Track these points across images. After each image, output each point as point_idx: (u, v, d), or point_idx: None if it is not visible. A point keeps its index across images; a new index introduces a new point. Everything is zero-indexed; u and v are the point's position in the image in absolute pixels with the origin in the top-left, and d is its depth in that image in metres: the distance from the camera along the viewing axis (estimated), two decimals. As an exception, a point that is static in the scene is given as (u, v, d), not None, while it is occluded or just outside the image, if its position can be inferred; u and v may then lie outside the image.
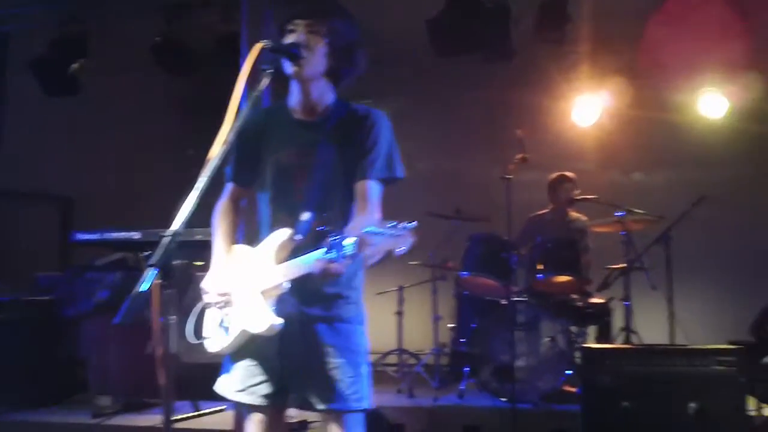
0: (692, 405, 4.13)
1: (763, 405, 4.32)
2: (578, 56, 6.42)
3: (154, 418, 4.60)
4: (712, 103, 6.59)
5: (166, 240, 1.88)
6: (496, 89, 6.92)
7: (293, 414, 4.09)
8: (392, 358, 6.34)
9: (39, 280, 5.82)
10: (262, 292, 2.32)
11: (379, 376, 6.28)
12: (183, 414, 4.66)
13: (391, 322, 6.11)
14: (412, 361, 6.23)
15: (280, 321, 2.29)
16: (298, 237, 2.32)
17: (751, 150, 6.68)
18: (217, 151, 2.07)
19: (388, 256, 1.97)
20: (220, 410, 4.70)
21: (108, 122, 7.24)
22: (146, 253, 1.72)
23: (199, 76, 6.75)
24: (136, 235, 4.79)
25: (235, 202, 2.66)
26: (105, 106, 7.13)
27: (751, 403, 4.18)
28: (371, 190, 2.41)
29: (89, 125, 7.14)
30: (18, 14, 6.00)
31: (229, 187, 2.66)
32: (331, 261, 2.02)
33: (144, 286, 1.79)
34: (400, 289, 6.13)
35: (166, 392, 1.92)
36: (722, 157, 6.70)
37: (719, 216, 6.34)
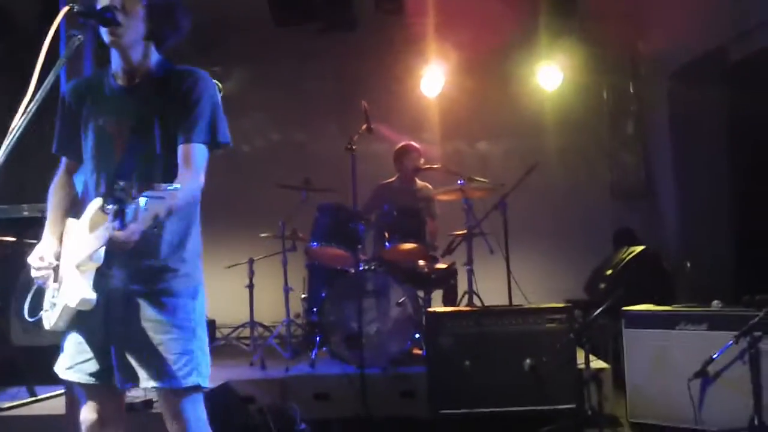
0: (528, 361, 4.40)
1: (592, 358, 4.63)
2: (421, 27, 6.53)
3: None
4: (546, 74, 6.91)
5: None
6: (342, 60, 6.94)
7: (138, 393, 4.00)
8: (245, 332, 6.30)
9: None
10: (77, 265, 2.22)
11: (232, 350, 6.23)
12: (16, 401, 4.40)
13: (243, 295, 6.05)
14: (265, 333, 6.21)
15: (93, 295, 2.20)
16: (109, 207, 2.22)
17: (578, 120, 7.10)
18: (18, 120, 1.94)
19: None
20: (58, 395, 4.48)
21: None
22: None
23: (26, 40, 6.30)
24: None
25: (68, 174, 2.55)
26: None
27: (581, 357, 4.47)
28: (194, 153, 2.32)
29: None
30: None
31: (62, 161, 2.56)
32: (115, 229, 1.93)
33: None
34: (251, 261, 6.08)
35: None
36: (556, 127, 7.08)
37: (552, 183, 6.74)
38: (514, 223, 5.50)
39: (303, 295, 5.96)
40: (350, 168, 4.87)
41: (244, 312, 6.09)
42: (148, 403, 4.09)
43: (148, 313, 2.32)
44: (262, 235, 5.87)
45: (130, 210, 1.87)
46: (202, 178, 2.31)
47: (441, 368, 4.48)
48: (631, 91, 7.32)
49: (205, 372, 2.38)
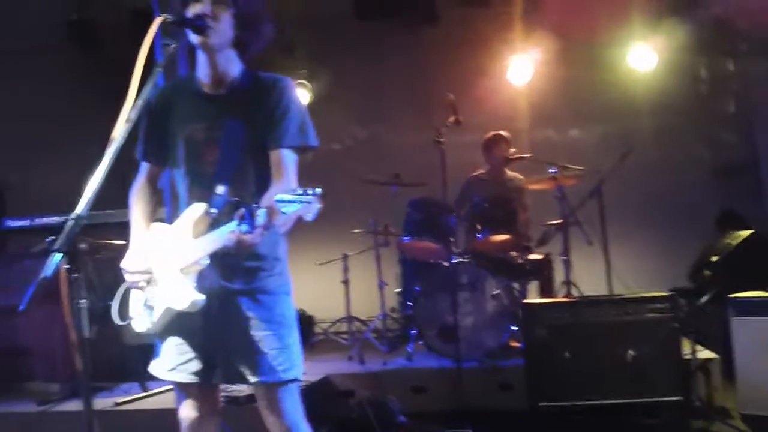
0: (630, 352, 4.27)
1: (698, 347, 4.46)
2: (508, 16, 6.43)
3: (102, 401, 4.56)
4: (640, 56, 6.68)
5: (69, 223, 1.85)
6: (426, 53, 6.91)
7: (241, 387, 4.13)
8: (342, 326, 6.39)
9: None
10: (182, 269, 2.30)
11: (330, 344, 6.34)
12: (130, 396, 4.63)
13: (339, 291, 6.14)
14: (362, 328, 6.28)
15: (202, 297, 2.28)
16: (213, 211, 2.30)
17: (675, 101, 6.82)
18: (119, 130, 2.03)
19: (299, 222, 1.96)
20: (168, 390, 4.68)
21: (28, 105, 7.02)
22: (50, 239, 1.69)
23: (117, 53, 6.59)
24: (68, 219, 4.69)
25: (150, 180, 2.63)
26: (24, 89, 6.91)
27: (687, 347, 4.32)
28: (285, 158, 2.40)
29: (9, 109, 6.92)
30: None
31: (143, 167, 2.63)
32: (243, 232, 2.01)
33: (48, 272, 1.77)
34: (345, 257, 6.16)
35: (83, 377, 1.90)
36: (651, 110, 6.83)
37: (649, 167, 6.49)
38: (610, 210, 5.35)
39: (397, 290, 6.00)
40: (439, 161, 4.85)
41: (340, 307, 6.18)
42: (251, 398, 4.20)
43: (246, 311, 2.39)
44: (354, 231, 5.94)
45: (261, 214, 1.94)
46: (294, 182, 2.37)
47: (539, 360, 4.41)
48: (732, 69, 6.98)
49: (300, 365, 2.46)
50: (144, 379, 4.74)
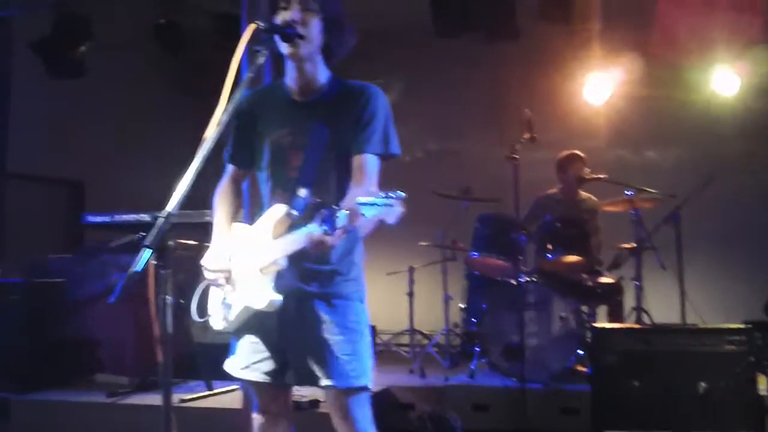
0: (702, 384, 4.13)
1: (775, 384, 4.29)
2: (588, 34, 6.35)
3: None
4: (724, 80, 6.50)
5: (160, 221, 1.89)
6: (502, 68, 6.88)
7: (305, 393, 4.16)
8: (404, 338, 6.38)
9: (50, 263, 5.89)
10: (261, 269, 2.33)
11: (392, 356, 6.33)
12: (196, 393, 4.71)
13: (403, 303, 6.14)
14: (423, 341, 6.26)
15: (279, 297, 2.30)
16: (294, 212, 2.33)
17: (763, 127, 6.59)
18: (211, 132, 2.08)
19: (380, 226, 1.95)
20: (233, 390, 4.75)
21: (113, 104, 7.26)
22: (141, 234, 1.74)
23: (202, 57, 6.76)
24: (145, 217, 4.82)
25: (235, 182, 2.68)
26: (110, 88, 7.15)
27: (762, 383, 4.15)
28: (368, 163, 2.41)
29: (95, 108, 7.17)
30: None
31: (228, 168, 2.68)
32: (323, 234, 2.02)
33: (139, 267, 1.81)
34: (411, 269, 6.15)
35: (164, 370, 1.94)
36: (733, 135, 6.62)
37: (730, 194, 6.29)
38: (686, 236, 5.20)
39: (462, 305, 5.96)
40: (511, 177, 4.81)
41: (403, 319, 6.17)
42: (314, 403, 4.25)
43: (321, 314, 2.41)
44: (422, 243, 5.93)
45: (341, 216, 1.96)
46: (375, 187, 2.38)
47: (606, 387, 4.30)
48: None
49: (371, 374, 2.45)
50: (210, 377, 4.82)
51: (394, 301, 6.19)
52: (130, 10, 6.30)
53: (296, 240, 2.19)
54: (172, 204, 1.94)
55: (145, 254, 1.84)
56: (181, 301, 2.57)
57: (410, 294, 6.13)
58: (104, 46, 6.39)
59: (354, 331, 2.44)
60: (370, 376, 2.44)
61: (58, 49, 6.24)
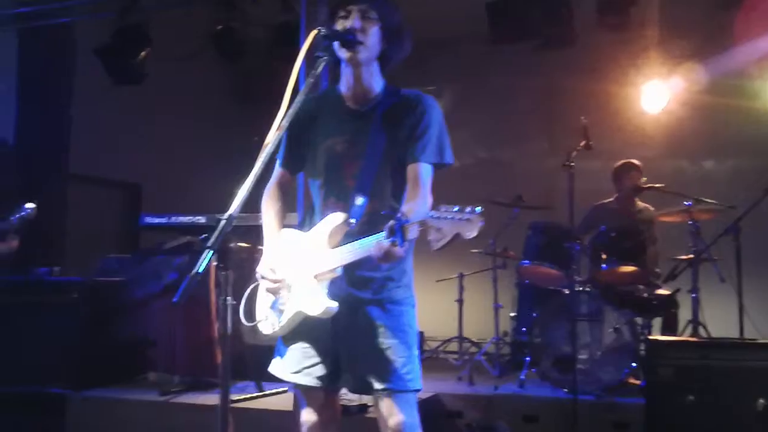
0: (761, 401, 4.00)
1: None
2: (645, 41, 6.25)
3: (219, 398, 4.70)
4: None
5: (222, 223, 1.92)
6: (556, 76, 6.81)
7: (352, 397, 4.17)
8: (452, 346, 6.34)
9: (107, 263, 6.03)
10: (316, 276, 2.35)
11: (440, 363, 6.30)
12: (246, 394, 4.76)
13: (452, 310, 6.11)
14: (472, 349, 6.22)
15: (335, 304, 2.32)
16: (352, 221, 2.34)
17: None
18: (272, 136, 2.11)
19: (455, 240, 1.95)
20: (282, 391, 4.79)
21: (171, 109, 7.40)
22: (203, 236, 1.76)
23: (259, 64, 6.85)
24: (201, 219, 4.91)
25: (282, 186, 2.69)
26: (168, 93, 7.29)
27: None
28: (423, 173, 2.42)
29: (153, 112, 7.32)
30: (84, 3, 6.16)
31: (278, 172, 2.69)
32: (392, 244, 2.03)
33: (201, 268, 1.84)
34: (461, 276, 6.12)
35: (223, 370, 1.96)
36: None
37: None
38: (746, 248, 5.06)
39: (512, 314, 5.90)
40: (564, 186, 4.74)
41: (451, 326, 6.14)
42: (362, 408, 4.25)
43: (375, 319, 2.43)
44: (473, 251, 5.89)
45: (412, 228, 1.97)
46: (430, 197, 2.38)
47: (661, 401, 4.20)
48: None
49: (421, 377, 2.47)
50: (260, 378, 4.86)
51: (443, 308, 6.17)
52: (190, 18, 6.42)
53: (358, 250, 2.21)
54: (234, 206, 1.96)
55: (208, 256, 1.87)
56: (234, 301, 2.60)
57: (459, 301, 6.10)
58: (164, 53, 6.51)
59: (407, 335, 2.46)
60: (420, 379, 2.46)
61: (120, 55, 6.38)
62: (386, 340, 2.40)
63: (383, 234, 2.06)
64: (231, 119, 7.99)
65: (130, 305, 5.51)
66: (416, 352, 2.48)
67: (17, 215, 4.81)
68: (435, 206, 2.00)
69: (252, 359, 4.81)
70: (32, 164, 6.19)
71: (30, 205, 4.83)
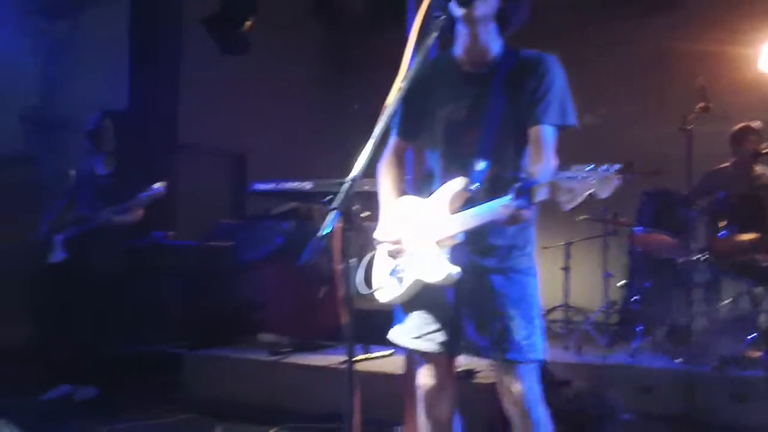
0: None
1: None
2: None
3: (327, 358, 4.80)
4: None
5: (346, 185, 1.92)
6: (669, 37, 6.49)
7: (459, 362, 4.16)
8: (557, 314, 6.23)
9: (218, 228, 6.23)
10: (437, 242, 2.32)
11: (545, 332, 6.18)
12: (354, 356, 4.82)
13: (557, 278, 5.99)
14: (578, 317, 6.09)
15: (458, 270, 2.29)
16: (474, 186, 2.30)
17: None
18: (391, 99, 2.08)
19: (588, 200, 1.90)
20: (389, 354, 4.83)
21: (275, 77, 7.49)
22: (327, 198, 1.77)
23: (361, 30, 6.82)
24: (308, 185, 4.99)
25: (399, 155, 2.67)
26: (273, 61, 7.37)
27: None
28: (546, 135, 2.35)
29: (258, 81, 7.43)
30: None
31: (393, 141, 2.66)
32: (519, 207, 1.98)
33: (326, 229, 1.85)
34: (568, 244, 5.99)
35: (347, 332, 1.98)
36: None
37: None
38: None
39: (621, 282, 5.73)
40: (678, 151, 4.55)
41: (557, 294, 6.02)
42: (469, 373, 4.24)
43: (499, 288, 2.39)
44: (580, 218, 5.74)
45: (541, 189, 1.93)
46: (554, 159, 2.31)
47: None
48: None
49: (543, 347, 2.42)
50: (367, 342, 4.92)
51: (548, 276, 6.00)
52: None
53: (481, 214, 2.17)
54: (357, 169, 1.96)
55: (333, 217, 1.87)
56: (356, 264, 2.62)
57: (566, 269, 5.97)
58: (267, 22, 6.58)
59: (532, 306, 2.41)
60: (543, 350, 2.42)
61: (227, 26, 6.49)
62: (509, 310, 2.37)
63: (509, 197, 2.01)
64: (332, 87, 8.03)
65: (240, 269, 5.68)
66: (540, 322, 2.43)
67: (146, 193, 4.96)
68: (564, 167, 1.93)
69: (360, 322, 4.87)
70: (144, 133, 6.42)
71: (159, 184, 4.97)
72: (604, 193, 1.87)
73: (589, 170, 1.86)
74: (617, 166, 1.86)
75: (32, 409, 4.54)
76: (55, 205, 5.37)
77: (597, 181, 1.85)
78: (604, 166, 1.86)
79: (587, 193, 1.87)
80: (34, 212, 5.60)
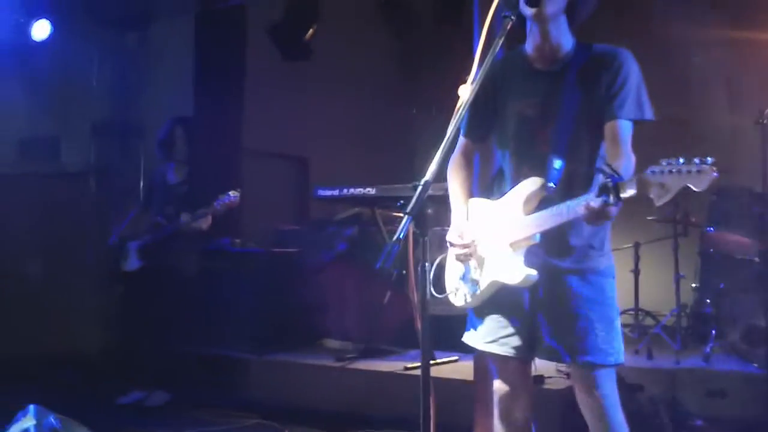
0: None
1: None
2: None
3: (393, 364, 4.80)
4: None
5: (419, 189, 1.91)
6: (739, 26, 6.26)
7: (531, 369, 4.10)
8: (626, 318, 6.08)
9: (282, 234, 6.30)
10: (512, 244, 2.29)
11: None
12: (416, 363, 4.81)
13: (627, 281, 5.84)
14: (648, 321, 5.93)
15: (535, 272, 2.26)
16: (551, 185, 2.26)
17: None
18: (464, 100, 2.06)
19: (684, 193, 1.86)
20: (454, 360, 4.80)
21: (337, 83, 7.53)
22: (400, 203, 1.76)
23: (422, 34, 6.80)
24: (371, 191, 4.98)
25: (467, 156, 2.64)
26: (335, 67, 7.42)
27: None
28: (623, 130, 2.30)
29: (321, 87, 7.48)
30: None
31: (462, 142, 2.63)
32: (605, 204, 1.93)
33: (402, 234, 1.84)
34: (637, 245, 5.84)
35: (423, 336, 1.97)
36: None
37: None
38: None
39: (694, 284, 5.57)
40: (751, 146, 4.39)
41: (626, 298, 5.88)
42: (539, 379, 4.17)
43: (577, 290, 2.34)
44: (650, 218, 5.59)
45: (628, 185, 1.90)
46: (632, 155, 2.27)
47: None
48: None
49: (623, 350, 2.37)
50: (432, 347, 4.90)
51: (618, 278, 5.87)
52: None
53: (564, 212, 2.12)
54: (430, 172, 1.95)
55: (406, 222, 1.87)
56: (403, 272, 2.61)
57: (635, 271, 5.82)
58: (330, 29, 6.62)
59: (610, 308, 2.37)
60: (622, 353, 2.36)
61: (290, 33, 6.55)
62: (588, 313, 2.32)
63: (592, 194, 1.97)
64: (394, 92, 8.04)
65: (305, 274, 5.73)
66: (619, 324, 2.38)
67: (221, 201, 4.91)
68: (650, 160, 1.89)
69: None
70: (210, 139, 6.52)
71: (234, 193, 4.93)
72: (701, 186, 1.83)
73: (682, 163, 1.82)
74: (711, 160, 1.81)
75: (106, 414, 4.65)
76: (128, 213, 5.50)
77: (692, 174, 1.82)
78: (698, 159, 1.82)
79: (681, 186, 1.84)
80: (108, 223, 5.76)
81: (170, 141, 5.30)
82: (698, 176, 1.82)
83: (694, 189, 1.83)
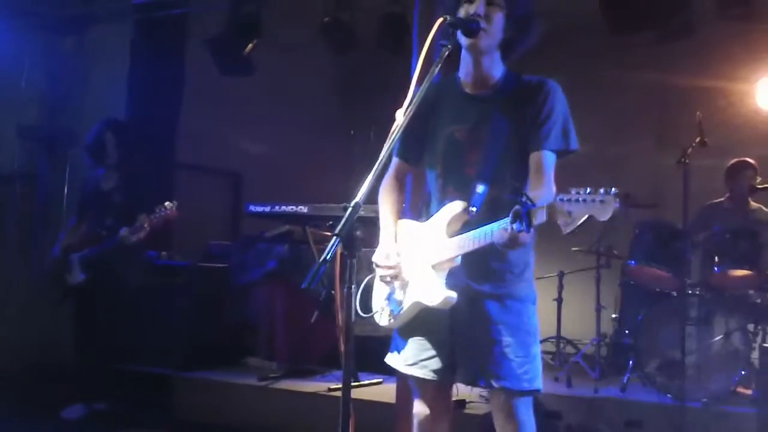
0: None
1: None
2: (765, 34, 5.92)
3: (317, 385, 4.77)
4: None
5: (349, 211, 1.92)
6: (670, 70, 6.53)
7: (452, 392, 4.13)
8: (548, 346, 6.20)
9: (211, 248, 6.19)
10: (434, 266, 2.32)
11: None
12: (340, 384, 4.78)
13: (550, 309, 5.97)
14: (569, 349, 6.06)
15: (454, 294, 2.28)
16: (473, 209, 2.30)
17: None
18: (397, 125, 2.09)
19: (588, 223, 1.89)
20: (378, 383, 4.80)
21: (276, 100, 7.50)
22: (330, 223, 1.76)
23: (363, 57, 6.83)
24: (303, 209, 4.97)
25: (400, 179, 2.67)
26: (274, 84, 7.39)
27: None
28: (546, 160, 2.35)
29: (258, 103, 7.43)
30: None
31: (395, 163, 2.67)
32: (517, 231, 1.98)
33: (329, 255, 1.84)
34: (561, 275, 5.98)
35: (346, 359, 1.97)
36: None
37: None
38: None
39: (614, 315, 5.72)
40: (673, 184, 4.57)
41: (549, 325, 6.00)
42: (460, 403, 4.21)
43: (495, 315, 2.37)
44: (574, 249, 5.74)
45: (540, 212, 1.93)
46: (553, 185, 2.32)
47: (776, 412, 4.00)
48: None
49: (541, 377, 2.41)
50: (356, 369, 4.88)
51: (541, 306, 5.98)
52: (298, 8, 6.48)
53: (479, 237, 2.16)
54: (360, 194, 1.96)
55: (335, 243, 1.87)
56: (332, 292, 2.61)
57: (558, 300, 5.96)
58: (270, 44, 6.59)
59: (528, 334, 2.40)
60: (539, 380, 2.40)
61: (230, 47, 6.49)
62: (505, 338, 2.35)
63: (507, 220, 2.01)
64: (333, 112, 8.05)
65: (233, 291, 5.65)
66: (538, 351, 2.42)
67: (157, 214, 4.66)
68: (564, 190, 1.93)
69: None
70: (142, 147, 6.36)
71: (170, 205, 4.70)
72: (604, 216, 1.86)
73: (588, 193, 1.86)
74: (615, 190, 1.86)
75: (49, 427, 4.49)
76: (67, 223, 5.25)
77: (596, 204, 1.85)
78: (602, 190, 1.86)
79: (586, 216, 1.87)
80: (38, 229, 5.53)
81: (99, 145, 5.00)
82: (601, 206, 1.85)
83: (598, 219, 1.87)
